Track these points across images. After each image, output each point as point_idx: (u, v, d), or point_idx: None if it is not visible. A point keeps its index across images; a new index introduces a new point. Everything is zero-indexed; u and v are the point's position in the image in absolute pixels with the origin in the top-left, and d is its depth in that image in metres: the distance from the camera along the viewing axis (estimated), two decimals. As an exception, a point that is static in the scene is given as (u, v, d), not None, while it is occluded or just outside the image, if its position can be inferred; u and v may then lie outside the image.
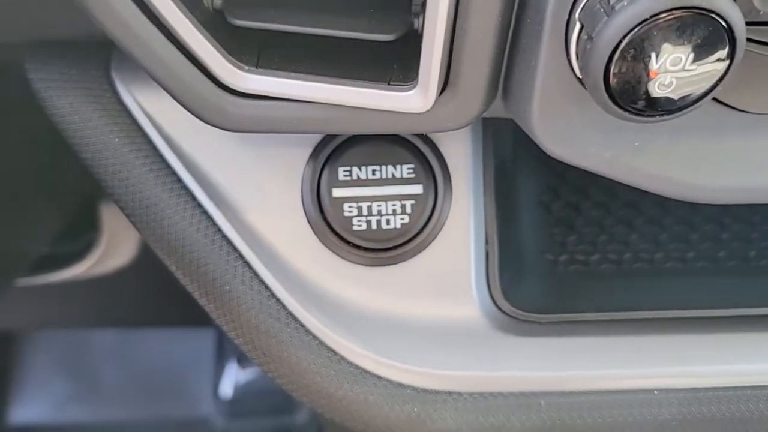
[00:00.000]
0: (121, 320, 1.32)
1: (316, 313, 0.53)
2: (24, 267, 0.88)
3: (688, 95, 0.38)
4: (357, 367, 0.53)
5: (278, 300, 0.53)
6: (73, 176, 0.86)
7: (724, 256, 0.64)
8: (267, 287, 0.53)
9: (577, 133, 0.42)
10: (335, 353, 0.53)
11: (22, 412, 1.34)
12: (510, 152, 0.60)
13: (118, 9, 0.40)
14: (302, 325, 0.53)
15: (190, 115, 0.45)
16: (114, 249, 1.07)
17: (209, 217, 0.53)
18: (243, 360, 1.36)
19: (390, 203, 0.53)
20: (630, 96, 0.37)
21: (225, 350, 1.36)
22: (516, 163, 0.61)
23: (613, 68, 0.36)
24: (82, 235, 1.05)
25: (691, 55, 0.36)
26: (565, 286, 0.60)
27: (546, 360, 0.55)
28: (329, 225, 0.53)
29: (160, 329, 1.35)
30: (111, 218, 1.02)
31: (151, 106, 0.53)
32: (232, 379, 1.35)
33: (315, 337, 0.53)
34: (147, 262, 1.09)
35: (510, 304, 0.56)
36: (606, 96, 0.37)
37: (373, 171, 0.53)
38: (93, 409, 1.35)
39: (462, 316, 0.55)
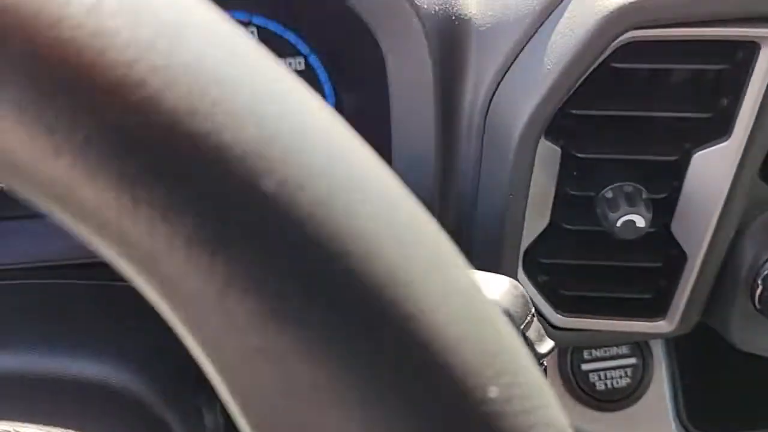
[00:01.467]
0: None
1: (576, 445, 0.82)
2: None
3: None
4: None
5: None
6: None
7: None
8: None
9: (761, 337, 0.72)
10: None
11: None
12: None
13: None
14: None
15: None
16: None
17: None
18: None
19: (617, 371, 0.83)
20: (796, 326, 0.67)
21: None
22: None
23: (785, 315, 0.66)
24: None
25: (830, 303, 0.66)
26: (734, 411, 0.89)
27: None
28: (580, 387, 0.82)
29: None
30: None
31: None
32: None
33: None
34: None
35: (696, 429, 0.85)
36: (782, 326, 0.67)
37: (605, 351, 0.83)
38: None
39: (665, 441, 0.84)
